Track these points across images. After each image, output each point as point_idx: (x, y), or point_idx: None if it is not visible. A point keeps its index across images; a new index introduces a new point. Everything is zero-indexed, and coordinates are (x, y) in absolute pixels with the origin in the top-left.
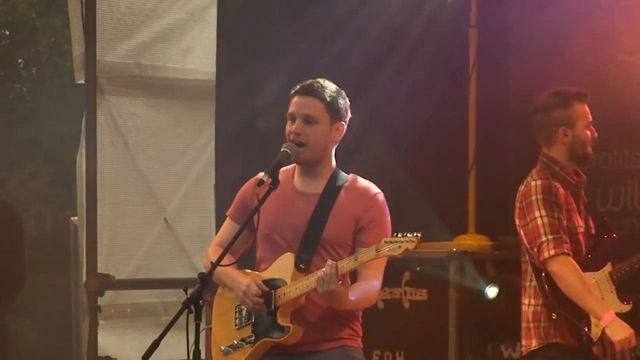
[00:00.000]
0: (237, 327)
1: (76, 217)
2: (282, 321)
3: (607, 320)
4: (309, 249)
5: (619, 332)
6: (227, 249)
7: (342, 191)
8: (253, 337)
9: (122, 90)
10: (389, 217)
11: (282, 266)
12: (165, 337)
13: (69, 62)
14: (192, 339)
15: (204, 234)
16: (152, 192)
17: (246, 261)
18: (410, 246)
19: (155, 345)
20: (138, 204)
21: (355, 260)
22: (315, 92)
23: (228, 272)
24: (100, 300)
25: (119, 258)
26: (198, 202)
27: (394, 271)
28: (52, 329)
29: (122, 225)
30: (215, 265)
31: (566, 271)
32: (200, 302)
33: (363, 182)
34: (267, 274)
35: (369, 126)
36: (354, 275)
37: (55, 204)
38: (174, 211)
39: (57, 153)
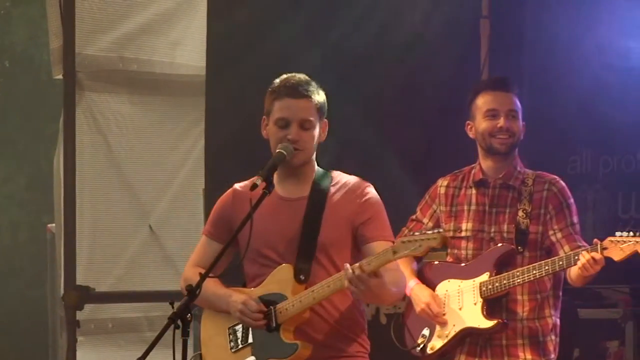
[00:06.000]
0: (233, 350)
1: (53, 224)
2: (287, 338)
3: None
4: (306, 258)
5: None
6: (214, 263)
7: (331, 191)
8: None
9: (104, 86)
10: (384, 208)
11: (280, 279)
12: (150, 354)
13: (47, 55)
14: (179, 356)
15: (191, 243)
16: (135, 197)
17: (230, 280)
18: (434, 243)
19: None
20: (120, 210)
21: (369, 264)
22: (307, 93)
23: (217, 293)
24: (79, 315)
25: (100, 269)
26: (186, 208)
27: None
28: (27, 345)
29: (103, 233)
30: (204, 276)
31: None
32: (188, 316)
33: (350, 178)
34: (263, 289)
35: (376, 120)
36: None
37: (31, 210)
38: (159, 218)
39: (33, 154)
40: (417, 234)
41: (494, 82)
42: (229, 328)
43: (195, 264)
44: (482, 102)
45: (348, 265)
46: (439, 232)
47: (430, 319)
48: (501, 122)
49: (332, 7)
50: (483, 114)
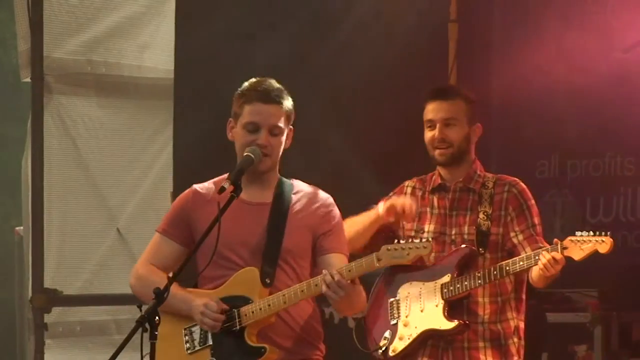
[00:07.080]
0: (189, 351)
1: (21, 227)
2: (252, 342)
3: None
4: (271, 262)
5: None
6: (182, 267)
7: (293, 199)
8: None
9: (72, 89)
10: (343, 223)
11: (245, 282)
12: (118, 357)
13: (15, 58)
14: (147, 359)
15: None
16: (104, 200)
17: (180, 280)
18: (424, 252)
19: None
20: (88, 213)
21: (349, 271)
22: (277, 98)
23: (177, 295)
24: (47, 318)
25: (68, 272)
26: (154, 211)
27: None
28: None
29: (71, 236)
30: (171, 280)
31: None
32: (156, 319)
33: (311, 188)
34: (225, 291)
35: (342, 124)
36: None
37: None
38: (127, 221)
39: (0, 157)
40: (402, 242)
41: (432, 92)
42: (184, 329)
43: (147, 261)
44: (425, 112)
45: (326, 271)
46: (428, 240)
47: (400, 214)
48: (435, 132)
49: (300, 11)
50: (425, 125)
